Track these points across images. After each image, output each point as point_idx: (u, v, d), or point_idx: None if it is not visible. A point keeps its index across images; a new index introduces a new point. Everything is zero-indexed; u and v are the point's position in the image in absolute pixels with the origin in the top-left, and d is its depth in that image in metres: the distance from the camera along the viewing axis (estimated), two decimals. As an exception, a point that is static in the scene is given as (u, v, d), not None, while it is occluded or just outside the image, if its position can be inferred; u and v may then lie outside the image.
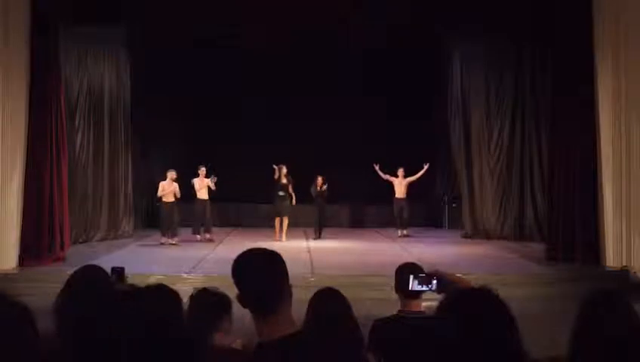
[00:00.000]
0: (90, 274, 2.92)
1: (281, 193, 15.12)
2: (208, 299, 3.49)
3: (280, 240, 14.79)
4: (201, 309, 3.40)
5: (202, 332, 3.21)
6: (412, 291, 2.87)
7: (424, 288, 2.80)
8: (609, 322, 2.20)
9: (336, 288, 3.48)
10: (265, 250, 2.11)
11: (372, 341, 3.54)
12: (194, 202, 14.82)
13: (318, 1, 14.04)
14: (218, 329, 3.39)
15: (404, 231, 15.86)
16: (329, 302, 3.32)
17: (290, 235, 15.64)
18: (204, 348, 2.32)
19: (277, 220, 15.28)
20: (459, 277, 2.69)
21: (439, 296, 2.76)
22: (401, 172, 15.78)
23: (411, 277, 2.82)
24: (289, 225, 15.46)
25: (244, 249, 2.13)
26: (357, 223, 18.10)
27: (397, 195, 15.83)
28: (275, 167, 15.14)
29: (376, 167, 15.86)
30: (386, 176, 15.90)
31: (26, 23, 11.29)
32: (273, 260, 2.07)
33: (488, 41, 15.09)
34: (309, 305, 3.30)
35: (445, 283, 2.63)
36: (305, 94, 16.99)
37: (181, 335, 2.24)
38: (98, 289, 2.80)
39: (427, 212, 18.47)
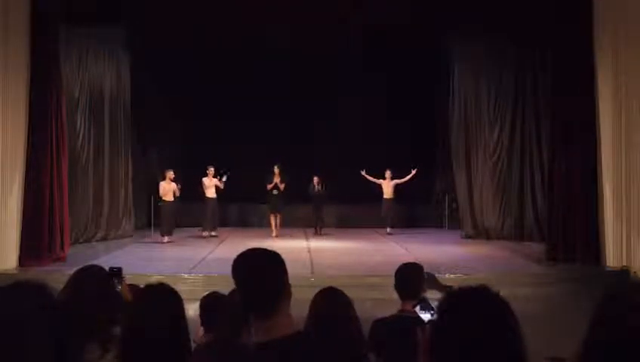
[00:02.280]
0: (91, 274, 2.92)
1: (274, 191, 15.75)
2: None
3: (275, 236, 15.57)
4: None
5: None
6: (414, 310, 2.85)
7: (426, 314, 2.79)
8: (626, 321, 2.18)
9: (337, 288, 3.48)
10: (265, 250, 2.10)
11: (372, 340, 3.54)
12: (204, 201, 15.49)
13: (318, 1, 14.04)
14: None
15: (388, 230, 16.07)
16: (331, 301, 3.32)
17: (290, 235, 15.70)
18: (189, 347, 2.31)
19: (272, 217, 15.92)
20: None
21: (439, 295, 2.77)
22: (388, 173, 15.98)
23: (421, 304, 2.79)
24: (283, 222, 16.16)
25: (244, 248, 2.13)
26: (357, 223, 18.08)
27: (385, 196, 16.20)
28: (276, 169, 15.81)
29: (363, 172, 16.18)
30: (374, 179, 16.24)
31: (25, 23, 11.28)
32: (273, 260, 2.07)
33: (488, 41, 15.08)
34: (311, 304, 3.29)
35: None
36: (305, 94, 16.99)
37: (180, 334, 2.24)
38: (99, 289, 2.80)
39: (427, 212, 18.46)
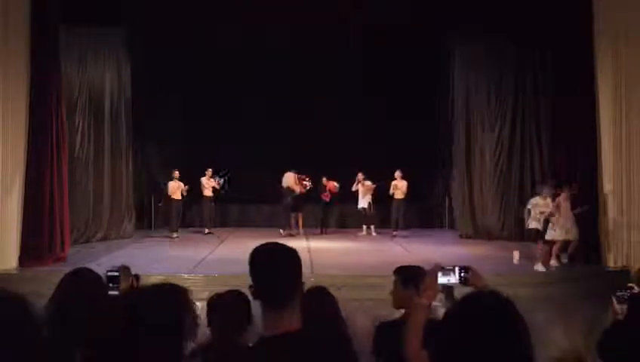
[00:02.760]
0: (80, 278, 2.91)
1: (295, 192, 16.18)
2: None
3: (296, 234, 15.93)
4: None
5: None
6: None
7: (449, 280, 2.75)
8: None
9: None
10: (284, 245, 2.18)
11: (376, 343, 3.52)
12: (201, 200, 16.29)
13: (318, 1, 14.03)
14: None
15: (394, 232, 15.92)
16: (317, 301, 3.31)
17: (290, 235, 15.73)
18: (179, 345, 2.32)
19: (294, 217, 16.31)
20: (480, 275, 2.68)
21: (442, 298, 2.76)
22: (398, 173, 15.79)
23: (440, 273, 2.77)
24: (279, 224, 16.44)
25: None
26: (357, 223, 18.07)
27: (395, 196, 15.97)
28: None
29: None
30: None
31: (26, 23, 11.28)
32: (290, 255, 2.14)
33: (488, 41, 15.08)
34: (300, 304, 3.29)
35: (467, 276, 2.64)
36: (305, 94, 16.98)
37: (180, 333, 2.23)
38: (87, 292, 2.80)
39: (427, 212, 18.45)
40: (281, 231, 15.65)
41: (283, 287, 2.07)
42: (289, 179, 16.01)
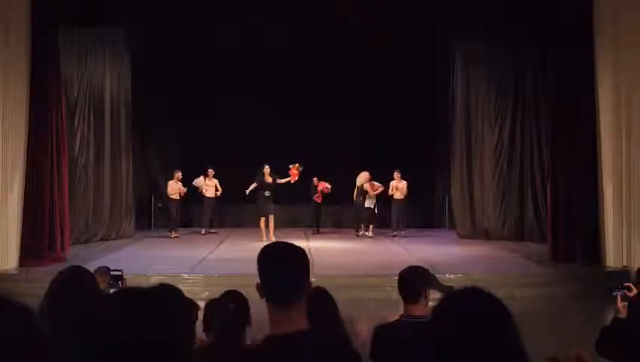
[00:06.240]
0: (74, 276, 2.92)
1: (266, 193, 14.81)
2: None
3: (267, 240, 14.43)
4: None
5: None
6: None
7: None
8: None
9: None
10: (292, 244, 2.21)
11: (374, 346, 3.52)
12: (203, 200, 16.30)
13: (318, 1, 14.04)
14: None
15: (394, 233, 15.87)
16: (317, 302, 3.31)
17: (289, 235, 15.67)
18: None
19: (262, 220, 14.71)
20: None
21: (439, 295, 2.76)
22: (396, 174, 15.76)
23: None
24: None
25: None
26: (358, 223, 18.08)
27: (395, 196, 15.91)
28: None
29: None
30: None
31: (26, 23, 11.28)
32: (298, 254, 2.16)
33: (488, 41, 15.08)
34: None
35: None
36: (305, 94, 16.98)
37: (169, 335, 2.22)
38: (82, 290, 2.80)
39: (427, 212, 18.45)
40: (359, 232, 16.03)
41: (291, 286, 2.09)
42: (364, 178, 15.91)
